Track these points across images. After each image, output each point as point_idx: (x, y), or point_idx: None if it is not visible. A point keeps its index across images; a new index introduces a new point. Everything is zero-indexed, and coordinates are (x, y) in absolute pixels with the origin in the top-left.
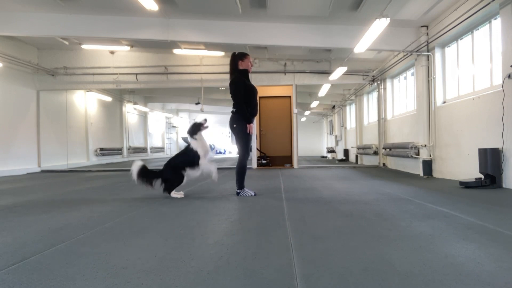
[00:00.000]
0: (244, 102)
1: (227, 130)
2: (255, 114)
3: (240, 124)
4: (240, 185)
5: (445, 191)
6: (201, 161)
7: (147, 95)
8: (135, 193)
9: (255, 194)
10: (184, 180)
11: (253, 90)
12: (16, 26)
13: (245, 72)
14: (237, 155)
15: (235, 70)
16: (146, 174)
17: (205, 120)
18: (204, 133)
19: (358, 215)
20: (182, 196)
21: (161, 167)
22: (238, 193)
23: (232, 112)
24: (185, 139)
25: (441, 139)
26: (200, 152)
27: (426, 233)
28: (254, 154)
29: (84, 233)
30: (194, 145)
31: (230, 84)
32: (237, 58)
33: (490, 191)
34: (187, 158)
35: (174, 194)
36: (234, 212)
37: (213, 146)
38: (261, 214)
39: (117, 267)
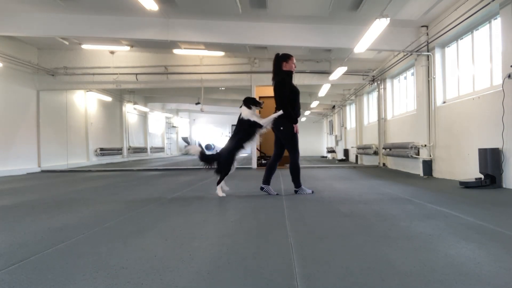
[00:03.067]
0: (291, 104)
1: (227, 130)
2: (299, 115)
3: (287, 125)
4: (297, 184)
5: (445, 191)
6: (262, 121)
7: (147, 95)
8: (135, 193)
9: (312, 192)
10: (233, 169)
11: (297, 92)
12: (16, 26)
13: (289, 74)
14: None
15: (279, 72)
16: (205, 158)
17: (263, 102)
18: (255, 111)
19: (358, 215)
20: (224, 195)
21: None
22: (296, 191)
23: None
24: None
25: (441, 139)
26: (255, 119)
27: (426, 233)
28: (254, 154)
29: (84, 233)
30: (247, 114)
31: (276, 85)
32: (281, 59)
33: (490, 191)
34: (242, 134)
35: (219, 191)
36: (234, 212)
37: (213, 146)
38: (261, 214)
39: (117, 267)
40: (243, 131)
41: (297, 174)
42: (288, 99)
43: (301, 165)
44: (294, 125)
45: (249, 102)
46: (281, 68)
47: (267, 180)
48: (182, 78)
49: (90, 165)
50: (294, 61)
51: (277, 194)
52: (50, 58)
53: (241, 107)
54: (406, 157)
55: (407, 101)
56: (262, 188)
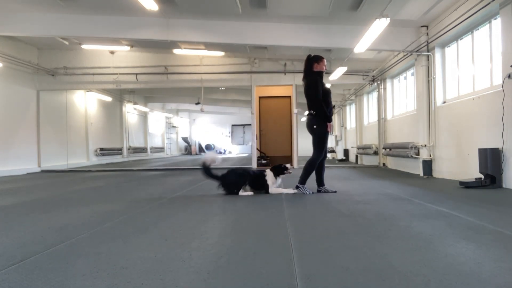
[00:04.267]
0: (323, 103)
1: (227, 130)
2: (332, 114)
3: (320, 124)
4: (303, 180)
5: (445, 191)
6: (270, 190)
7: (147, 95)
8: (135, 193)
9: (312, 193)
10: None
11: (328, 92)
12: (16, 26)
13: (321, 74)
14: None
15: (310, 72)
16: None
17: (292, 167)
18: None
19: (358, 215)
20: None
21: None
22: (297, 187)
23: (310, 114)
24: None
25: (441, 139)
26: (269, 183)
27: (426, 233)
28: (254, 154)
29: (84, 233)
30: (270, 177)
31: (308, 86)
32: (313, 60)
33: (490, 191)
34: (256, 180)
35: (242, 193)
36: (234, 212)
37: (213, 146)
38: (261, 214)
39: (117, 267)
40: (256, 177)
41: (308, 172)
42: (321, 99)
43: (301, 165)
44: (328, 124)
45: (278, 172)
46: (312, 69)
47: (320, 182)
48: (182, 78)
49: (90, 165)
50: (325, 62)
51: (312, 193)
52: (50, 58)
53: (268, 169)
54: (406, 157)
55: (407, 101)
56: (319, 191)
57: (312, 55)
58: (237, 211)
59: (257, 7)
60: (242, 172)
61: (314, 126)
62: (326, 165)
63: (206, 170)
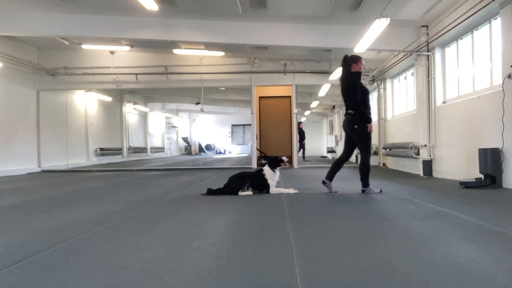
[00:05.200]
0: (362, 103)
1: (227, 130)
2: (371, 114)
3: (361, 125)
4: (365, 183)
5: (445, 191)
6: (270, 190)
7: (147, 95)
8: (135, 193)
9: (380, 192)
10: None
11: (367, 91)
12: (16, 26)
13: (358, 75)
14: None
15: (348, 73)
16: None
17: (287, 157)
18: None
19: (358, 215)
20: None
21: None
22: (363, 191)
23: (348, 114)
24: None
25: (441, 139)
26: (269, 181)
27: (426, 233)
28: (254, 154)
29: (84, 233)
30: (268, 174)
31: (346, 87)
32: (351, 61)
33: (490, 191)
34: (256, 181)
35: (241, 193)
36: (234, 212)
37: (213, 146)
38: (261, 214)
39: (117, 267)
40: (255, 178)
41: (366, 174)
42: (360, 99)
43: (301, 165)
44: (368, 125)
45: (275, 164)
46: (350, 70)
47: (330, 177)
48: (182, 78)
49: (90, 165)
50: (363, 62)
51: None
52: (50, 58)
53: (265, 165)
54: (406, 157)
55: (407, 101)
56: (324, 183)
57: (349, 55)
58: (237, 211)
59: (257, 7)
60: (240, 175)
61: (356, 126)
62: (326, 165)
63: (210, 191)
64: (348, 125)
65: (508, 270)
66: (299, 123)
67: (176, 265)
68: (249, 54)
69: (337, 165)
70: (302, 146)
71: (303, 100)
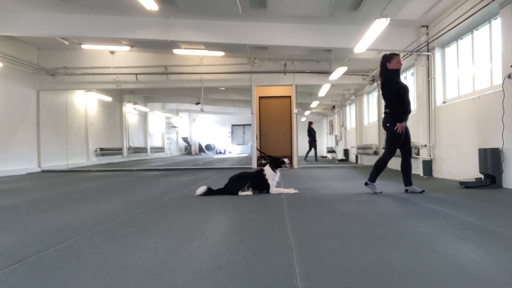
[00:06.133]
0: (398, 101)
1: (227, 130)
2: (409, 112)
3: (393, 123)
4: (372, 178)
5: (445, 191)
6: (271, 190)
7: (147, 95)
8: (135, 193)
9: (381, 192)
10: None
11: (405, 89)
12: (16, 26)
13: (396, 72)
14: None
15: (385, 71)
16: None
17: (288, 159)
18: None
19: (358, 215)
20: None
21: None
22: (366, 184)
23: (385, 112)
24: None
25: (441, 139)
26: (270, 181)
27: (426, 233)
28: (254, 154)
29: (84, 233)
30: (269, 174)
31: (382, 85)
32: (385, 60)
33: (490, 191)
34: (256, 181)
35: (241, 193)
36: (234, 212)
37: (213, 146)
38: (261, 214)
39: (117, 267)
40: (256, 178)
41: (378, 170)
42: (394, 97)
43: (301, 165)
44: (399, 124)
45: (276, 165)
46: (386, 68)
47: (407, 182)
48: (182, 78)
49: (90, 165)
50: (400, 59)
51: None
52: (50, 58)
53: (266, 165)
54: None
55: None
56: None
57: (387, 54)
58: (237, 211)
59: (257, 7)
60: (241, 175)
61: (388, 124)
62: (326, 165)
63: (210, 191)
64: (383, 124)
65: (508, 270)
66: (310, 123)
67: (176, 265)
68: (249, 54)
69: (406, 168)
70: (314, 146)
71: (303, 100)
